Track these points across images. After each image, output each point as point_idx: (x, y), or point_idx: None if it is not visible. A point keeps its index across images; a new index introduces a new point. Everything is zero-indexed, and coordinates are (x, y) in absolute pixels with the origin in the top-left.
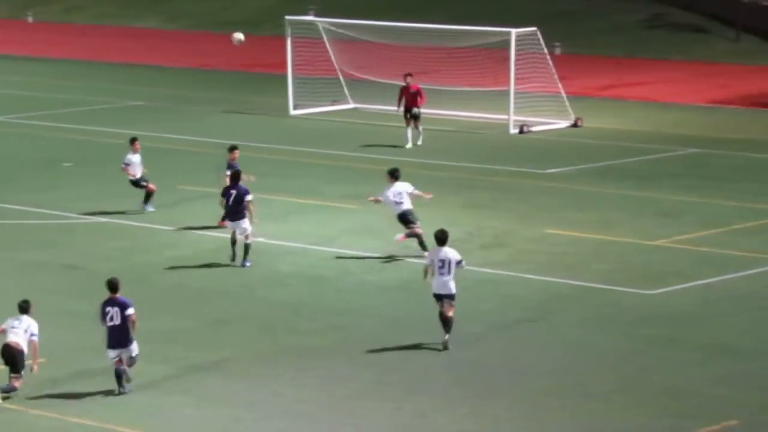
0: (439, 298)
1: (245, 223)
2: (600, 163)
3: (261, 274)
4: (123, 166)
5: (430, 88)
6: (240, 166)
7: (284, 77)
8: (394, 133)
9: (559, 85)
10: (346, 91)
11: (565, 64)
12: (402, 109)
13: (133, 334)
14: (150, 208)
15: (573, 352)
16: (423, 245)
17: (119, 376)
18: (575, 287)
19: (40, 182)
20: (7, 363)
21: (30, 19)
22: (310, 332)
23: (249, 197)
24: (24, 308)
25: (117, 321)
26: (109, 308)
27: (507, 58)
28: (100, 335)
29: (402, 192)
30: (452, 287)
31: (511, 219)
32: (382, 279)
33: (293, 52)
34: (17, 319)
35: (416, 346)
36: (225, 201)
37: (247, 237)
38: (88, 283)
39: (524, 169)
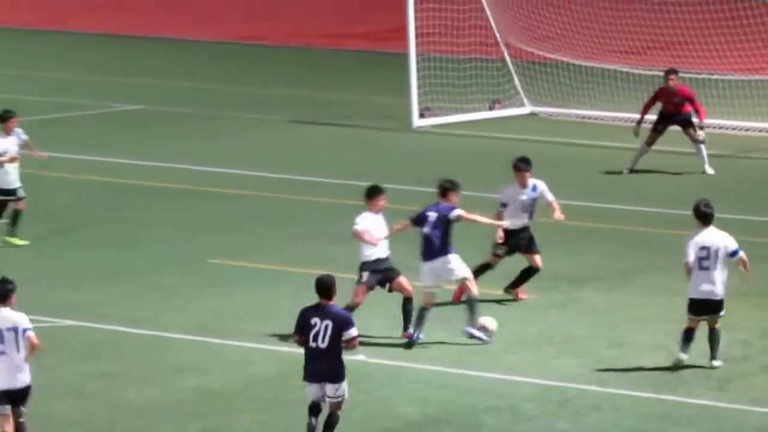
0: (698, 308)
1: (454, 262)
2: None
3: (368, 419)
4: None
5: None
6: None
7: (401, 58)
8: (618, 159)
9: None
10: (516, 82)
11: None
12: (647, 120)
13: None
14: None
15: None
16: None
17: (314, 413)
18: None
19: None
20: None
21: None
22: None
23: (457, 212)
24: (3, 295)
25: (324, 343)
26: (316, 319)
27: None
28: None
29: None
30: (720, 290)
31: None
32: (582, 427)
33: (418, 11)
34: None
35: None
36: (422, 231)
37: (466, 285)
38: None
39: None
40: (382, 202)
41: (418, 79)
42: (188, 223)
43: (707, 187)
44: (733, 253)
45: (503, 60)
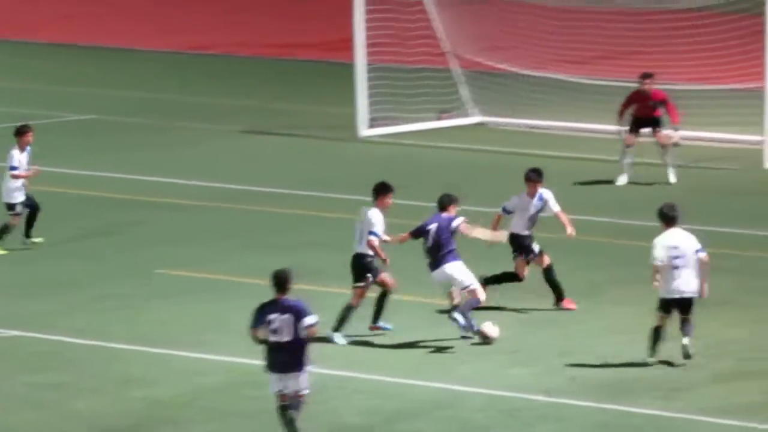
0: (671, 305)
1: (457, 268)
2: None
3: (317, 430)
4: None
5: (624, 86)
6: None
7: (350, 68)
8: (567, 169)
9: None
10: (464, 92)
11: None
12: (625, 126)
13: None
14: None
15: None
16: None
17: (287, 418)
18: None
19: None
20: None
21: None
22: None
23: (459, 221)
24: None
25: (286, 336)
26: (273, 315)
27: (761, 30)
28: None
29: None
30: (693, 288)
31: None
32: None
33: (367, 22)
34: None
35: None
36: (424, 243)
37: (472, 292)
38: None
39: None
40: (391, 199)
41: (368, 88)
42: (138, 233)
43: (663, 199)
44: (697, 251)
45: (452, 70)
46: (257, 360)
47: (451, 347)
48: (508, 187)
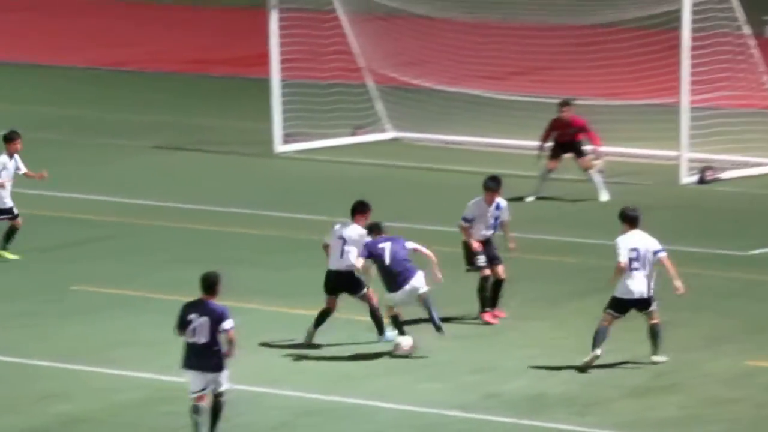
0: (624, 306)
1: (420, 278)
2: None
3: None
4: None
5: (538, 102)
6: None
7: (265, 83)
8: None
9: None
10: (378, 107)
11: None
12: (547, 145)
13: (229, 357)
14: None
15: None
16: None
17: (197, 412)
18: None
19: None
20: None
21: None
22: None
23: (414, 244)
24: None
25: (203, 338)
26: (193, 315)
27: (676, 45)
28: None
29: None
30: (649, 288)
31: (686, 340)
32: None
33: (281, 37)
34: None
35: None
36: (378, 263)
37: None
38: None
39: (704, 249)
40: (368, 218)
41: (283, 104)
42: (53, 249)
43: (574, 214)
44: (656, 252)
45: (366, 85)
46: (173, 376)
47: (365, 362)
48: (422, 202)
